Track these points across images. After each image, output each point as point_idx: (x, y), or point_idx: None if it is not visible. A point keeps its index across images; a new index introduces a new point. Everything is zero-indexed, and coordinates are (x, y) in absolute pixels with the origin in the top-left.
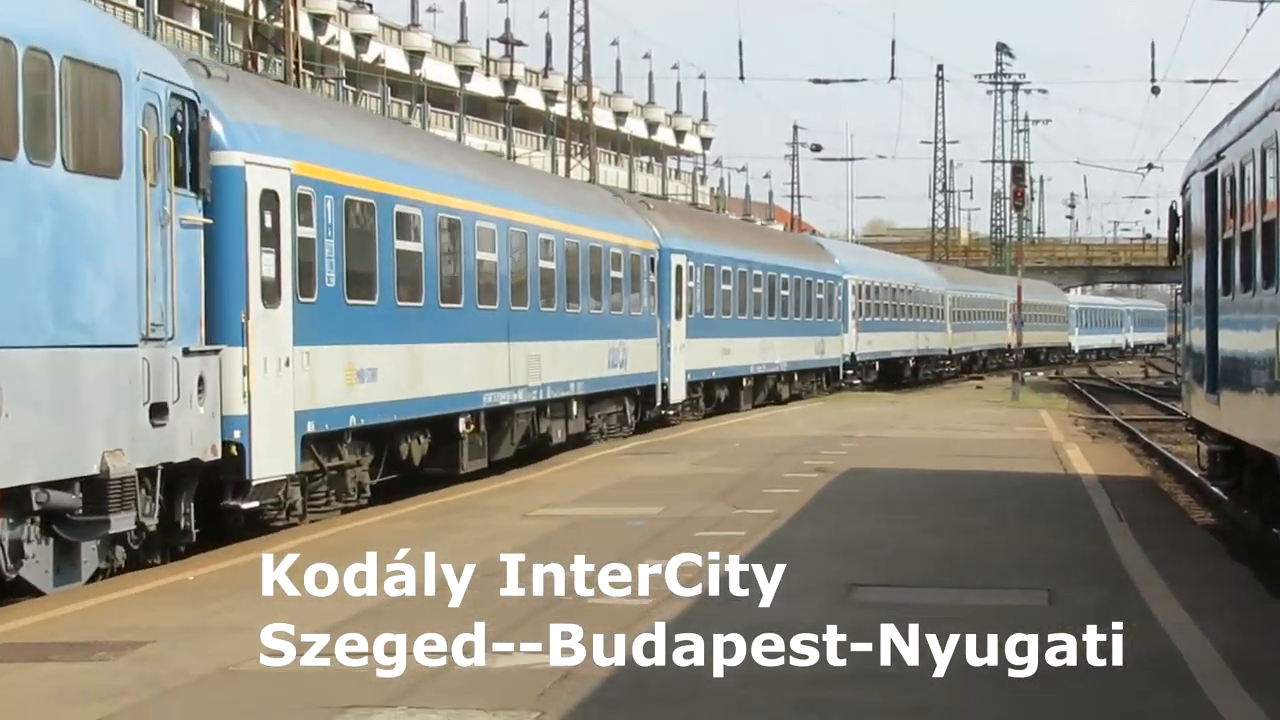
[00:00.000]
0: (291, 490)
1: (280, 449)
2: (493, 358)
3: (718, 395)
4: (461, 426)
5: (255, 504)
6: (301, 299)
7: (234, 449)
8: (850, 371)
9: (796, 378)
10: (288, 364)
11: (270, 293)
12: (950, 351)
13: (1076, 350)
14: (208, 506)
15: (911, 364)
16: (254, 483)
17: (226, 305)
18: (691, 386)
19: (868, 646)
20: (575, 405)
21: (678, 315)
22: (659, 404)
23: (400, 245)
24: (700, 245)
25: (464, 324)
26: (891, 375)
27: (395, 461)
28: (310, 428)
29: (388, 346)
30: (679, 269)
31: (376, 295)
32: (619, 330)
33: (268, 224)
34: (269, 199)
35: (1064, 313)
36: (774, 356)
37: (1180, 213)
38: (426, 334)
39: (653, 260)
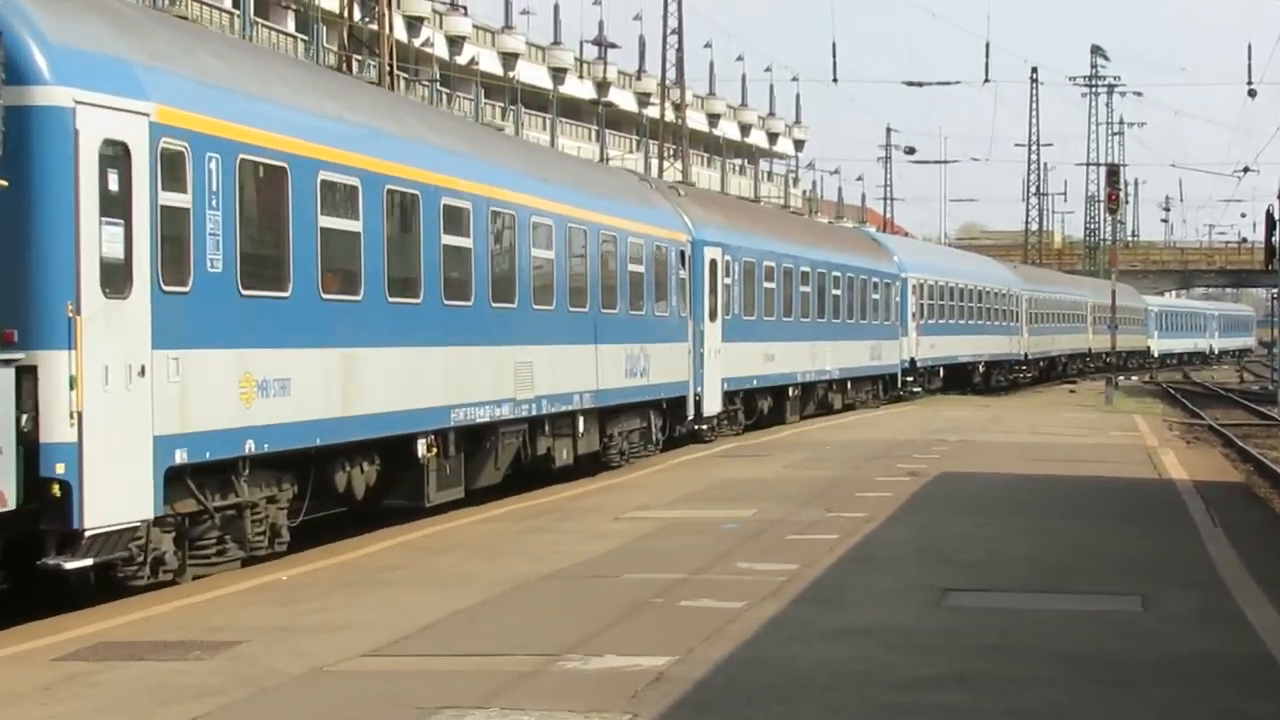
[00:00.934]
0: (158, 538)
1: (130, 486)
2: (466, 365)
3: (760, 406)
4: (422, 450)
5: (86, 561)
6: (167, 287)
7: (56, 489)
8: (910, 379)
9: (850, 386)
10: (143, 373)
11: (115, 278)
12: (1026, 356)
13: (1156, 354)
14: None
15: (982, 370)
16: (87, 533)
17: (43, 295)
18: (729, 397)
19: (960, 650)
20: (583, 421)
21: (712, 316)
22: (690, 417)
23: (327, 222)
24: (739, 237)
25: (423, 323)
26: (959, 382)
27: (331, 494)
28: (181, 457)
29: (305, 351)
30: (713, 263)
31: (289, 285)
32: (639, 333)
33: (112, 187)
34: (115, 154)
35: (1142, 315)
36: (824, 362)
37: (1279, 216)
38: (367, 336)
39: (683, 253)
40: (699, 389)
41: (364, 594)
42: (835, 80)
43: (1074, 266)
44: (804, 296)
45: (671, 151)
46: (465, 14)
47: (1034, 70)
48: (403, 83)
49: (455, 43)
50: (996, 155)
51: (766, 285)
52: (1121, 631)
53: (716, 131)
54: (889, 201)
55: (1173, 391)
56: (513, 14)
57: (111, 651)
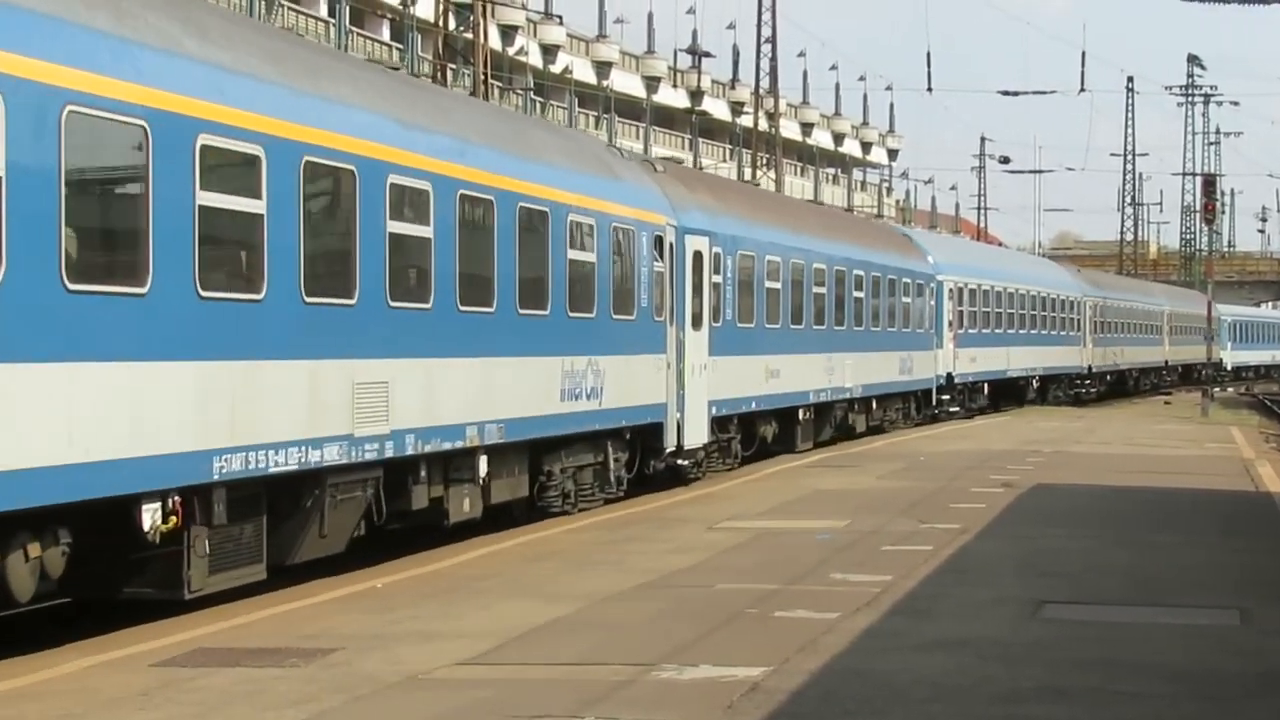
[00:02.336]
0: None
1: None
2: (254, 388)
3: (762, 432)
4: (150, 521)
5: None
6: None
7: None
8: (947, 396)
9: (875, 404)
10: None
11: None
12: (1090, 369)
13: (1229, 367)
14: None
15: (1036, 384)
16: None
17: None
18: (720, 424)
19: (1057, 663)
20: (484, 463)
21: (696, 323)
22: (668, 449)
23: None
24: (733, 224)
25: (147, 329)
26: (1009, 396)
27: None
28: None
29: None
30: (697, 255)
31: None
32: (586, 341)
33: None
34: None
35: (1215, 325)
36: (843, 378)
37: None
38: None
39: (659, 239)
40: (678, 414)
41: (458, 602)
42: (930, 89)
43: (1169, 277)
44: (817, 299)
45: (765, 160)
46: (560, 23)
47: (1130, 79)
48: (496, 91)
49: (549, 51)
50: (1092, 165)
51: (769, 285)
52: (1220, 646)
53: (810, 140)
54: (983, 211)
55: (1269, 403)
56: (607, 23)
57: (209, 658)
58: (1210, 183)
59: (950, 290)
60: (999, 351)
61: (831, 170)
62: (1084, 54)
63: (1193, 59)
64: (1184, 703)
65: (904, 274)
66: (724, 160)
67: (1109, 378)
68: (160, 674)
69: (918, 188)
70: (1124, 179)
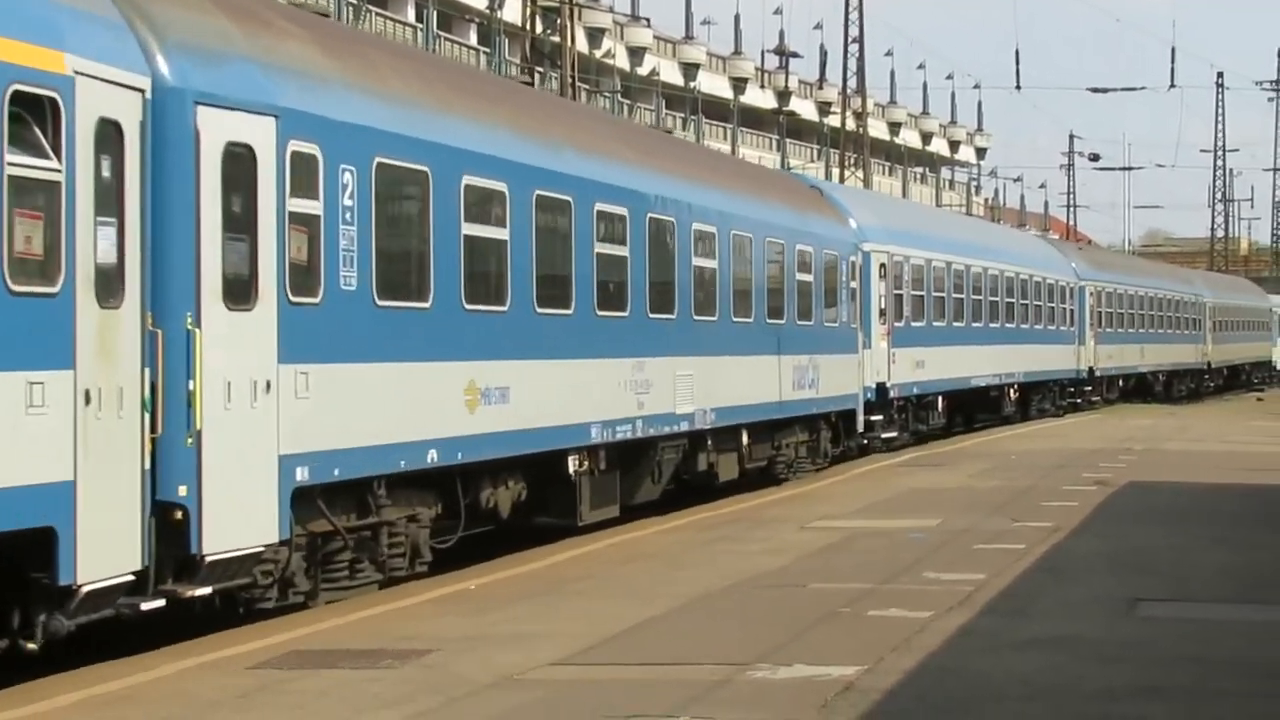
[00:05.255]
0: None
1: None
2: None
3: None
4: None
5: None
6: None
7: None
8: (880, 416)
9: (711, 441)
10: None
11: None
12: (1093, 372)
13: (1279, 365)
14: None
15: (1015, 393)
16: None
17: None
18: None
19: (1153, 661)
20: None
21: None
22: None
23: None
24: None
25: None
26: (981, 409)
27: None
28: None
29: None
30: (882, 268)
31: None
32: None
33: None
34: None
35: (1267, 318)
36: (663, 399)
37: None
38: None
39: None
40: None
41: (552, 603)
42: (1018, 87)
43: (1261, 273)
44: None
45: (852, 160)
46: (646, 25)
47: (1220, 75)
48: (584, 94)
49: (636, 54)
50: (1182, 161)
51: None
52: None
53: (898, 140)
54: (1072, 209)
55: None
56: (693, 24)
57: (305, 660)
58: None
59: (881, 266)
60: (957, 353)
61: (919, 170)
62: (1174, 49)
63: None
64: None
65: (808, 240)
66: (811, 161)
67: (1121, 383)
68: (257, 676)
69: (1006, 186)
70: (1214, 175)
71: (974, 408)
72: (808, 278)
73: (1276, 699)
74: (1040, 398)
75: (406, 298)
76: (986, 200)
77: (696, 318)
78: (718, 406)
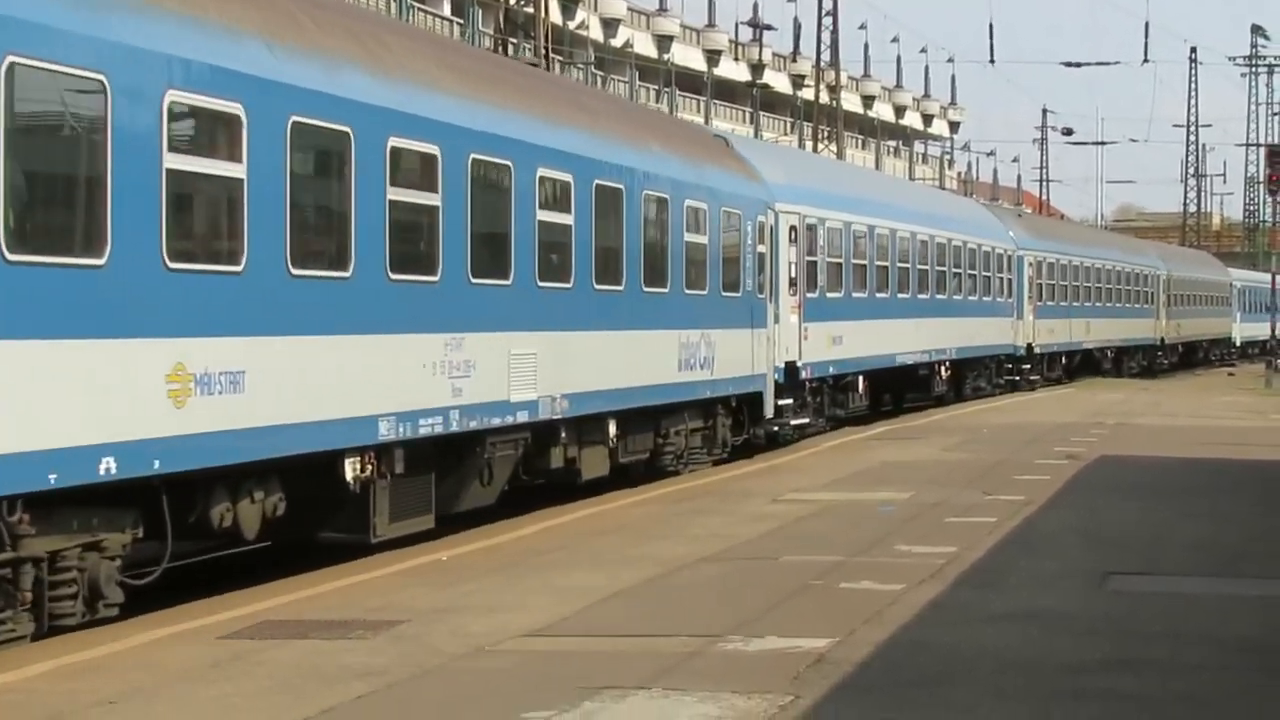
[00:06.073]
0: None
1: None
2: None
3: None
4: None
5: None
6: None
7: None
8: (790, 400)
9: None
10: None
11: None
12: (1032, 348)
13: (1238, 343)
14: None
15: (946, 372)
16: None
17: None
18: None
19: (1125, 635)
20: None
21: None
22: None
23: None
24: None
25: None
26: (910, 389)
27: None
28: None
29: None
30: (793, 230)
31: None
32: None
33: None
34: None
35: (1227, 292)
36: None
37: None
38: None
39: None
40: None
41: (523, 575)
42: (992, 61)
43: (1233, 249)
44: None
45: (826, 134)
46: None
47: (1193, 50)
48: (557, 65)
49: (610, 25)
50: (1155, 136)
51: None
52: None
53: (871, 113)
54: (1045, 183)
55: None
56: None
57: (276, 630)
58: (1274, 154)
59: (792, 229)
60: (880, 327)
61: (893, 143)
62: (1147, 24)
63: (1256, 29)
64: (1255, 675)
65: (701, 195)
66: (785, 133)
67: (1064, 360)
68: (229, 646)
69: (980, 160)
70: (1187, 150)
71: (902, 388)
72: (700, 239)
73: (1247, 672)
74: (975, 375)
75: (68, 253)
76: (960, 174)
77: (541, 284)
78: (572, 392)
